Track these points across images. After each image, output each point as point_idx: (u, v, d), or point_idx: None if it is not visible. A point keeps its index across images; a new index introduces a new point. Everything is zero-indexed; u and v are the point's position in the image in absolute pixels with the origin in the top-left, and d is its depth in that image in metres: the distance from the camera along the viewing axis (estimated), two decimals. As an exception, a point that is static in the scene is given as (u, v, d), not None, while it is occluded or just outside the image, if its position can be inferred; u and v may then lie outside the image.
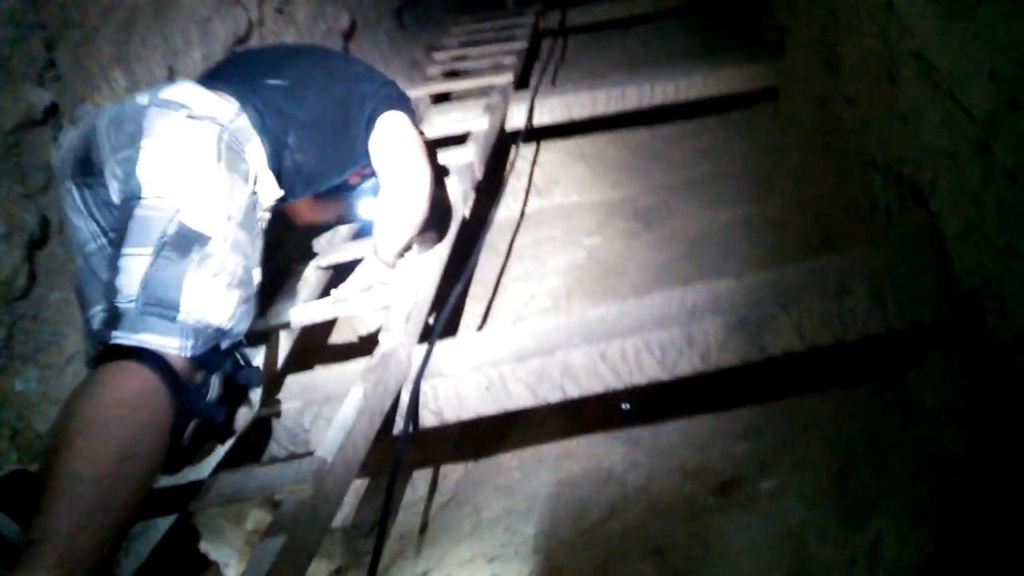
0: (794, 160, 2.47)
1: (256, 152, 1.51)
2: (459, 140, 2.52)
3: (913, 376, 1.66)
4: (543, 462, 1.87)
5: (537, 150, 3.09)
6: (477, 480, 1.89)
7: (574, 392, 1.62)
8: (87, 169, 1.44)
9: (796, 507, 1.55)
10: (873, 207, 1.87)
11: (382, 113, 1.81)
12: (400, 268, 1.88)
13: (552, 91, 3.05)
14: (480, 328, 2.40)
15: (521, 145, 2.73)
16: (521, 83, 3.21)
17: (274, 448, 1.61)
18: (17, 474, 1.23)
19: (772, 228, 2.35)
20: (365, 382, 1.48)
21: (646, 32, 3.76)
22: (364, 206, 1.97)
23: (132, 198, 1.32)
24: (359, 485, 1.91)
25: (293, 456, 1.57)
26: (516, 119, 2.87)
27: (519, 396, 1.62)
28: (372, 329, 2.24)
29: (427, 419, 1.65)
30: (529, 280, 2.50)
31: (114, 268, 1.27)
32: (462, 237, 2.14)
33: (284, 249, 2.15)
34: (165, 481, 1.33)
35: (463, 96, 3.10)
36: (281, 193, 1.59)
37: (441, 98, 3.14)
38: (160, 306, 1.23)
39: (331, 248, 2.11)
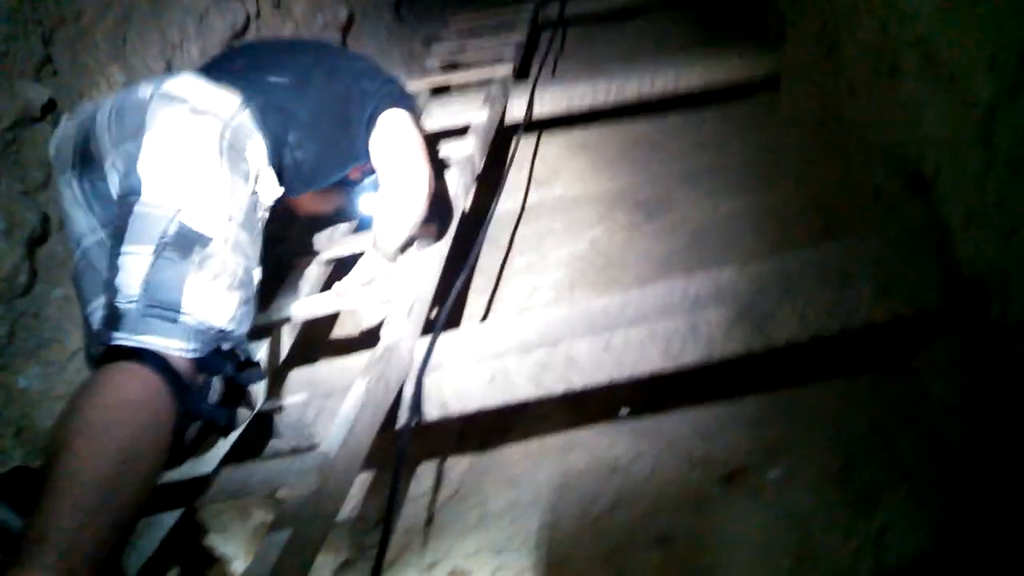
0: (795, 150, 2.46)
1: (257, 149, 1.50)
2: (459, 132, 2.51)
3: (918, 365, 1.66)
4: (548, 454, 1.87)
5: (538, 142, 3.08)
6: (482, 473, 1.89)
7: (579, 383, 1.61)
8: (86, 161, 1.43)
9: (802, 496, 1.55)
10: (875, 196, 1.86)
11: (383, 111, 1.80)
12: (401, 262, 1.88)
13: (552, 83, 3.03)
14: (483, 321, 2.39)
15: (521, 137, 2.72)
16: (520, 75, 3.20)
17: (277, 443, 1.61)
18: (20, 470, 1.23)
19: (774, 219, 2.35)
20: (368, 376, 1.48)
21: (646, 23, 3.74)
22: (364, 202, 1.96)
23: (132, 194, 1.31)
24: (364, 479, 1.91)
25: (297, 451, 1.57)
26: (516, 111, 2.86)
27: (523, 388, 1.62)
28: (374, 323, 2.24)
29: (431, 412, 1.65)
30: (532, 272, 2.49)
31: (114, 266, 1.27)
32: (463, 230, 2.14)
33: (285, 243, 2.15)
34: (169, 476, 1.33)
35: (463, 88, 3.09)
36: (281, 191, 1.58)
37: (440, 90, 3.13)
38: (161, 307, 1.22)
39: (332, 243, 2.10)
